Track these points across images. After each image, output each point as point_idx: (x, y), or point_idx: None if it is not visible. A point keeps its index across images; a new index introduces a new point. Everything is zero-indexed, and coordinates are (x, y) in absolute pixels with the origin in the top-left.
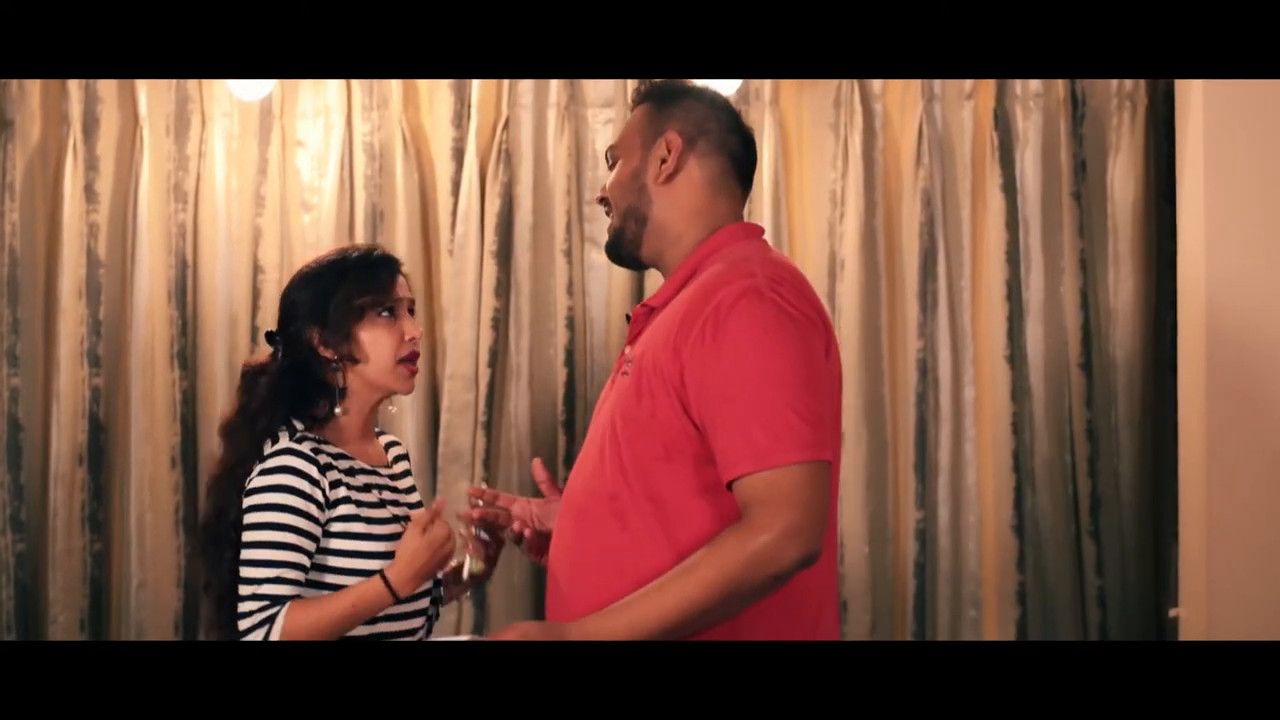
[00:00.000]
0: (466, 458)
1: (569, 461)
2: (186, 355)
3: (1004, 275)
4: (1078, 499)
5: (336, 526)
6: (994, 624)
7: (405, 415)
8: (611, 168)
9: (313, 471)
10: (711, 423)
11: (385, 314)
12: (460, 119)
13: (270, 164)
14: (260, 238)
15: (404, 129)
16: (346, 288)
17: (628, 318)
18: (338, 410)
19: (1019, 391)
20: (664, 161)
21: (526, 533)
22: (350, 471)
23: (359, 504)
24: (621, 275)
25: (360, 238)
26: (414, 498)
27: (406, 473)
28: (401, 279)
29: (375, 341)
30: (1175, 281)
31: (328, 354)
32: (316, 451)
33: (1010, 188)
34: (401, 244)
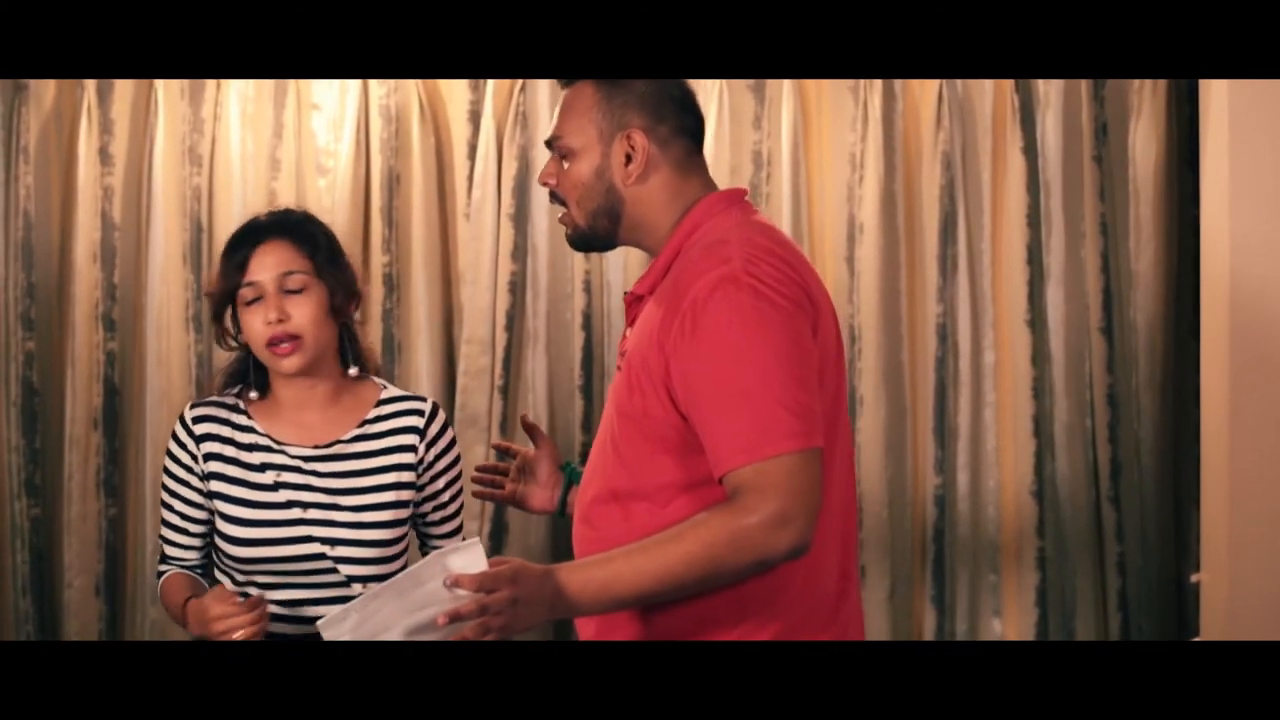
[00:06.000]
0: (483, 422)
1: (586, 426)
2: (201, 318)
3: (1024, 239)
4: (1098, 464)
5: (215, 500)
6: (1013, 590)
7: (422, 379)
8: (557, 153)
9: (185, 438)
10: (698, 418)
11: (251, 301)
12: (477, 82)
13: (286, 127)
14: (275, 201)
15: (420, 92)
16: (221, 273)
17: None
18: (252, 394)
19: (1039, 356)
20: (630, 161)
21: (515, 491)
22: (250, 447)
23: (232, 480)
24: None
25: (376, 201)
26: (335, 483)
27: (347, 456)
28: (277, 249)
29: (247, 328)
30: (1197, 246)
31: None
32: (199, 420)
33: (1031, 150)
34: (418, 208)
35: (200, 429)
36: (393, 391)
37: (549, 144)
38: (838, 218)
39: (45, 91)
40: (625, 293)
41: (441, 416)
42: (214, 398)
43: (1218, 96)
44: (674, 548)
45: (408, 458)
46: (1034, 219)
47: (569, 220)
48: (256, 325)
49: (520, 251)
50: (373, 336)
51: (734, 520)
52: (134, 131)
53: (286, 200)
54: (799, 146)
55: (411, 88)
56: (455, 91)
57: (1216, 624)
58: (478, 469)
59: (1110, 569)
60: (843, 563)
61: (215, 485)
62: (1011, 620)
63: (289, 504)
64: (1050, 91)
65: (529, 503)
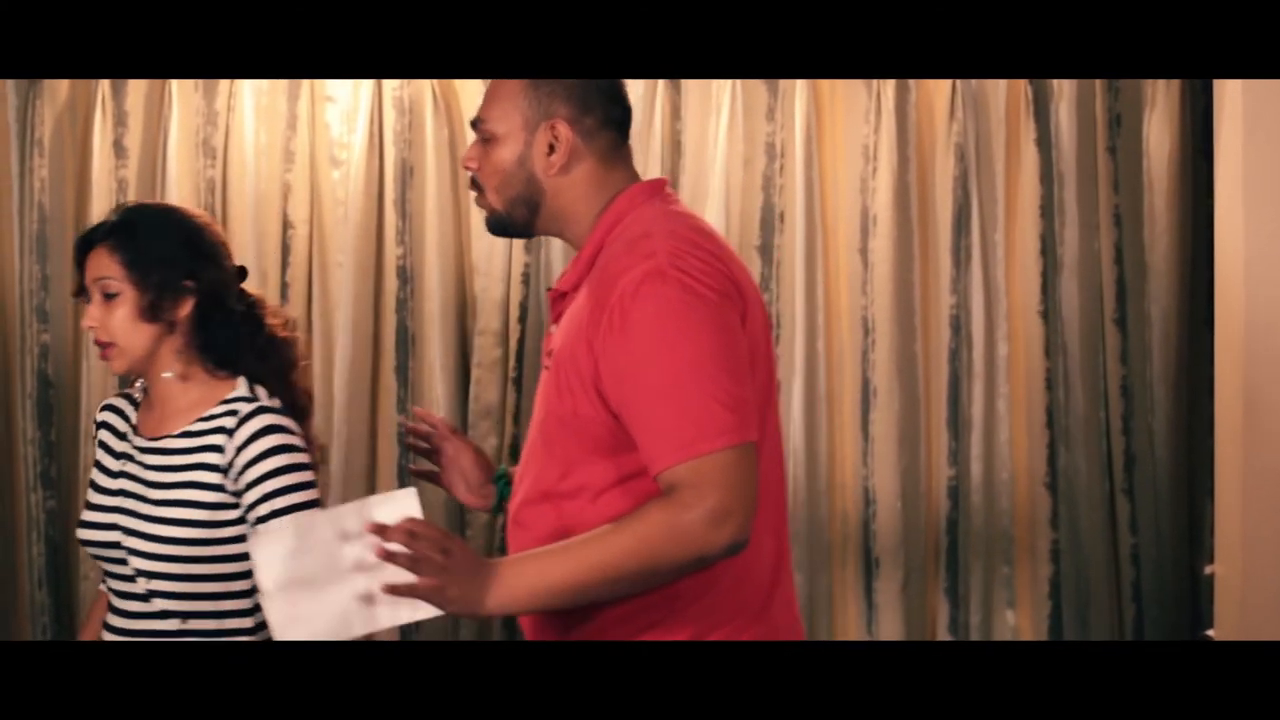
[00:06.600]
0: (497, 414)
1: None
2: None
3: (1038, 230)
4: (1111, 456)
5: None
6: (1026, 582)
7: (435, 372)
8: (480, 136)
9: (93, 429)
10: (630, 416)
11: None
12: None
13: (299, 119)
14: (289, 193)
15: (434, 84)
16: None
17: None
18: (138, 383)
19: (1053, 348)
20: (553, 151)
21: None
22: (123, 436)
23: (99, 467)
24: None
25: (390, 193)
26: (151, 475)
27: (174, 450)
28: (98, 255)
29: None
30: (1211, 237)
31: None
32: (102, 409)
33: (1045, 142)
34: (431, 199)
35: (100, 417)
36: (241, 392)
37: (474, 125)
38: (851, 209)
39: (60, 85)
40: (548, 289)
41: (261, 421)
42: (129, 390)
43: (1232, 91)
44: (612, 540)
45: (214, 458)
46: (1048, 210)
47: (485, 204)
48: (85, 329)
49: (533, 243)
50: (386, 329)
51: (673, 515)
52: (148, 124)
53: (300, 192)
54: (812, 139)
55: (424, 80)
56: (468, 84)
57: (1230, 617)
58: (405, 426)
59: (1124, 561)
60: (776, 555)
61: (93, 471)
62: (1025, 613)
63: (118, 492)
64: (1064, 84)
65: (453, 493)
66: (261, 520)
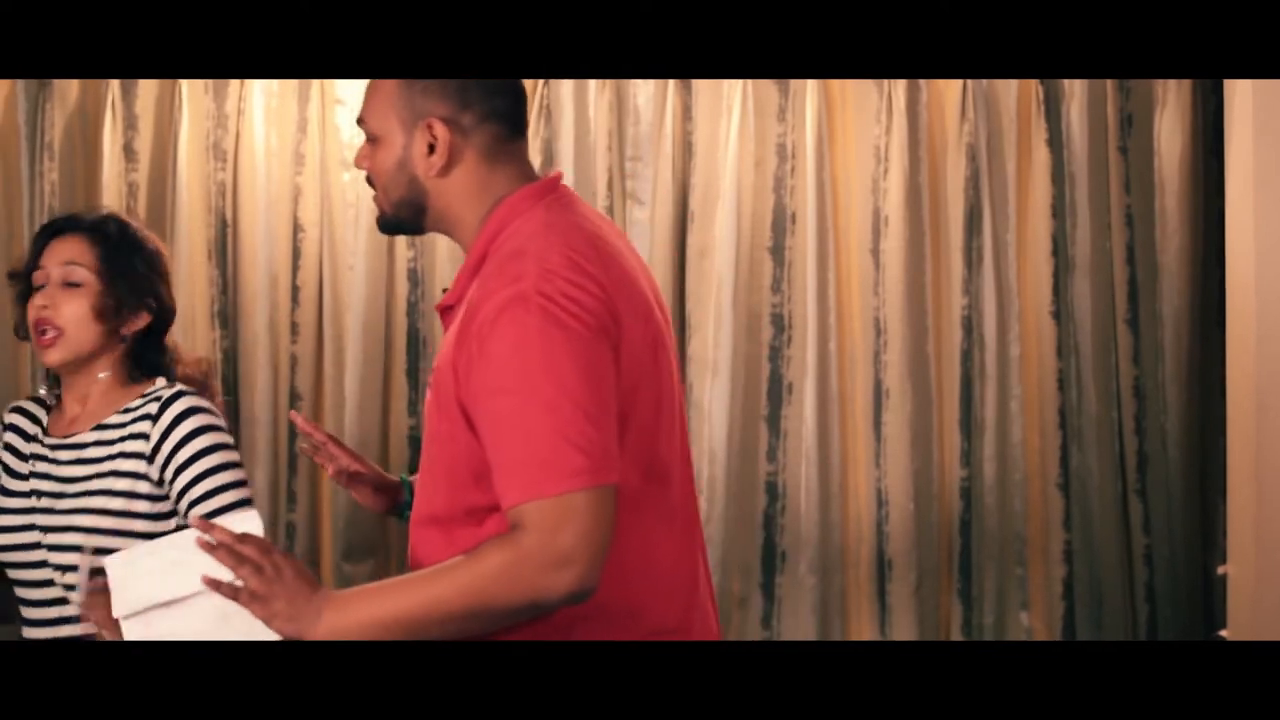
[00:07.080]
0: None
1: None
2: (227, 314)
3: (1049, 230)
4: (1124, 456)
5: None
6: (1040, 583)
7: None
8: (367, 136)
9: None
10: (486, 447)
11: (38, 287)
12: None
13: (310, 122)
14: (300, 196)
15: None
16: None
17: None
18: (44, 391)
19: (1065, 348)
20: (432, 152)
21: (342, 481)
22: (32, 438)
23: (6, 469)
24: (664, 231)
25: None
26: (67, 471)
27: (89, 444)
28: (72, 241)
29: (28, 313)
30: (1223, 237)
31: None
32: (10, 412)
33: (1056, 142)
34: None
35: (8, 419)
36: (159, 385)
37: (358, 123)
38: (863, 210)
39: (70, 88)
40: (437, 304)
41: (184, 404)
42: (39, 394)
43: (1242, 90)
44: (447, 577)
45: (137, 446)
46: (1059, 210)
47: (377, 204)
48: (31, 310)
49: None
50: (397, 331)
51: (509, 555)
52: (158, 127)
53: (311, 195)
54: (824, 139)
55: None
56: None
57: (1243, 617)
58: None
59: (1137, 562)
60: (688, 583)
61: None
62: (1038, 614)
63: (30, 493)
64: (1075, 84)
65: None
66: (195, 504)
